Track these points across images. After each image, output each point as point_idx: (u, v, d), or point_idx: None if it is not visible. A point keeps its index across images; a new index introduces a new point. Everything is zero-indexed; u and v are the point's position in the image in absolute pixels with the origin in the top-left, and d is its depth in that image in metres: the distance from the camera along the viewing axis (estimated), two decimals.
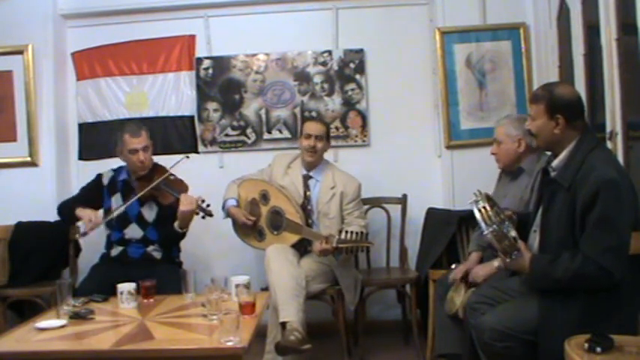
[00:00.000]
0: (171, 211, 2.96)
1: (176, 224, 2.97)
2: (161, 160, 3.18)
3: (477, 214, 2.07)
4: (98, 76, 3.87)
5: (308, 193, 3.21)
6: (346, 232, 2.89)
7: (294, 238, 3.07)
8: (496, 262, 2.54)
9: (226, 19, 3.84)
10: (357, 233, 2.86)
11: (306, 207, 3.18)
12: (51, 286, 3.12)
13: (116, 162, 3.18)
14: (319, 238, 2.95)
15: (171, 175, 3.04)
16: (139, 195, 2.95)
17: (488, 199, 2.14)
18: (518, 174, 2.69)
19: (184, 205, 2.90)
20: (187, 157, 3.11)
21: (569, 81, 3.03)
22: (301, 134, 3.26)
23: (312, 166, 3.24)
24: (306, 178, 3.24)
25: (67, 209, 3.09)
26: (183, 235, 3.06)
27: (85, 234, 2.96)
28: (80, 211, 2.98)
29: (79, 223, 3.08)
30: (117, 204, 3.06)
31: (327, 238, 2.90)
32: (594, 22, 2.65)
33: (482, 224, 2.05)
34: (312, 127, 3.20)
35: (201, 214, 2.96)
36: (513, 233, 2.12)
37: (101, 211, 3.07)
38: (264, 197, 3.19)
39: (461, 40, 3.61)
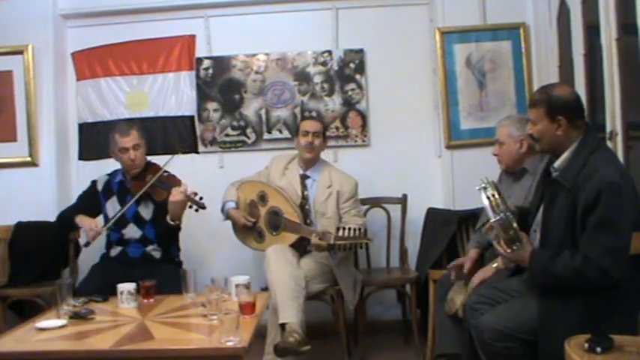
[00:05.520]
0: (166, 207, 2.96)
1: (168, 217, 2.96)
2: (161, 160, 3.17)
3: (486, 201, 2.07)
4: (98, 76, 3.87)
5: (306, 192, 3.21)
6: (343, 228, 2.85)
7: (293, 237, 3.06)
8: (495, 264, 2.54)
9: (226, 19, 3.84)
10: (354, 230, 2.81)
11: (304, 207, 3.18)
12: (51, 286, 3.12)
13: (116, 161, 3.18)
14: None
15: (165, 171, 3.04)
16: (135, 197, 2.94)
17: (495, 186, 2.14)
18: (522, 174, 2.68)
19: (173, 196, 2.89)
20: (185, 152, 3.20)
21: (569, 81, 3.03)
22: (297, 133, 3.26)
23: (310, 165, 3.24)
24: (304, 178, 3.24)
25: (66, 219, 3.12)
26: (177, 229, 3.05)
27: (88, 244, 2.97)
28: (80, 220, 3.00)
29: (81, 232, 3.08)
30: (113, 207, 3.06)
31: (322, 233, 2.87)
32: (594, 22, 2.65)
33: (491, 212, 2.05)
34: (309, 125, 3.21)
35: (194, 206, 2.94)
36: (515, 224, 2.11)
37: (101, 218, 3.08)
38: (262, 198, 3.19)
39: (461, 40, 3.61)
